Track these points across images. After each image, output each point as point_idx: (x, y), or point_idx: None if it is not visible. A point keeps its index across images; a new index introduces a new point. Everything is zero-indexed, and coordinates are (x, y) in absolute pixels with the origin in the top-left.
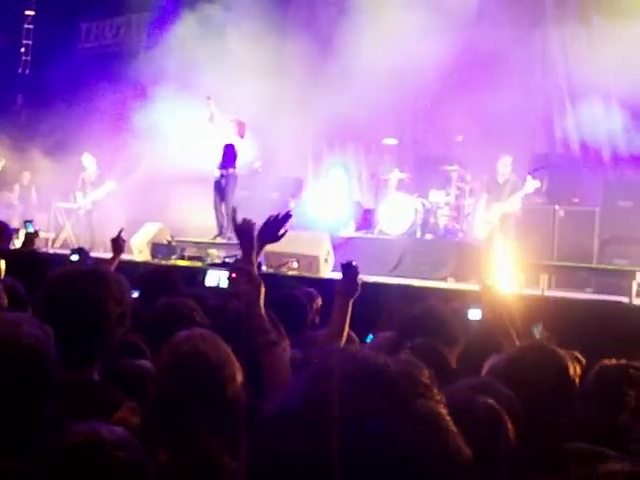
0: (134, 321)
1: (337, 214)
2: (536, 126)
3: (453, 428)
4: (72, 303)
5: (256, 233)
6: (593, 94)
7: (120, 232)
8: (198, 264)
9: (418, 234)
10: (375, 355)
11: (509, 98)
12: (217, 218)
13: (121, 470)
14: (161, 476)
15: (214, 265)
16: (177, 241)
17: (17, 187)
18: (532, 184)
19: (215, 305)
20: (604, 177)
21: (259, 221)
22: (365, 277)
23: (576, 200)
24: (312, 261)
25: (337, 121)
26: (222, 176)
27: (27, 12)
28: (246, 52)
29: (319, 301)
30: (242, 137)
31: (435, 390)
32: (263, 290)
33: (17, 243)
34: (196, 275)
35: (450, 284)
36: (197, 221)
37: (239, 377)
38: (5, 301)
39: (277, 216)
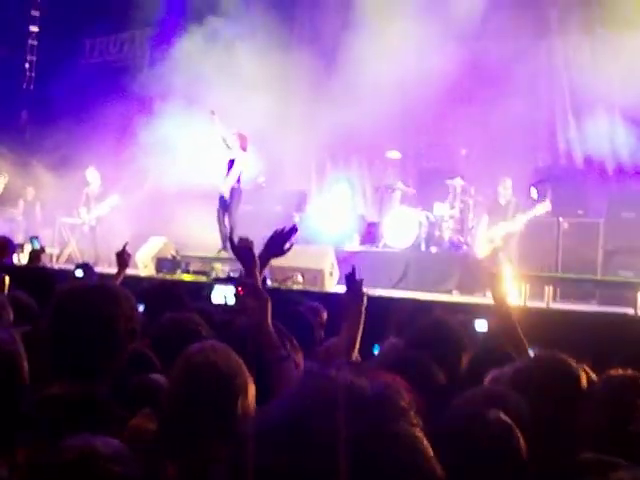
0: (140, 336)
1: (341, 228)
2: (540, 138)
3: (429, 451)
4: (82, 318)
5: (259, 248)
6: (597, 106)
7: (125, 246)
8: (203, 278)
9: (423, 247)
10: (355, 378)
11: (513, 111)
12: (221, 232)
13: None
14: None
15: (220, 280)
16: (182, 256)
17: (21, 203)
18: (542, 207)
19: (221, 320)
20: (608, 189)
21: (264, 234)
22: (370, 290)
23: (580, 212)
24: (317, 275)
25: (341, 135)
26: (226, 191)
27: (31, 28)
28: (250, 67)
29: (324, 315)
30: (244, 150)
31: (412, 414)
32: (270, 305)
33: (21, 258)
34: (201, 290)
35: (455, 297)
36: (202, 235)
37: (251, 388)
38: (10, 315)
39: (283, 230)
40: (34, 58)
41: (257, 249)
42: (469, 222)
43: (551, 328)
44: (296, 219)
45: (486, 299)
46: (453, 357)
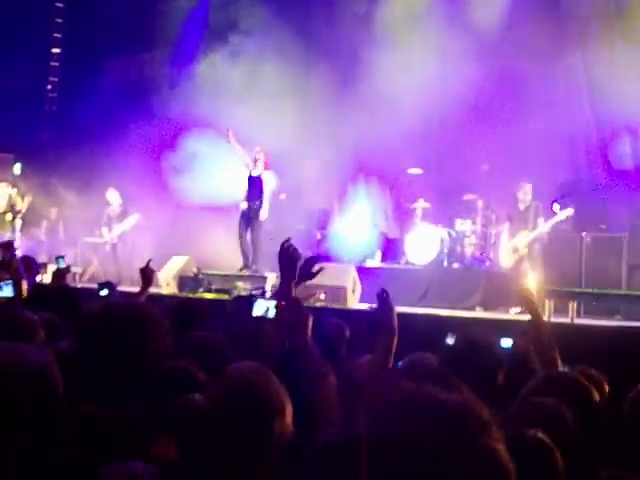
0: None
1: (363, 245)
2: (561, 153)
3: (510, 464)
4: (111, 337)
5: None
6: (618, 120)
7: (149, 262)
8: (225, 296)
9: (445, 263)
10: (437, 391)
11: (534, 126)
12: (243, 250)
13: None
14: None
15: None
16: (204, 274)
17: (44, 223)
18: (565, 212)
19: (248, 337)
20: (631, 203)
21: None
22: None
23: (603, 226)
24: (339, 292)
25: (362, 152)
26: (249, 208)
27: (53, 50)
28: (271, 84)
29: (347, 332)
30: (267, 168)
31: (494, 427)
32: (311, 321)
33: (44, 278)
34: (223, 307)
35: (479, 313)
36: (224, 253)
37: (288, 409)
38: (42, 335)
39: (313, 258)
40: (56, 79)
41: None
42: (491, 237)
43: (575, 344)
44: (318, 237)
45: (510, 315)
46: (490, 375)
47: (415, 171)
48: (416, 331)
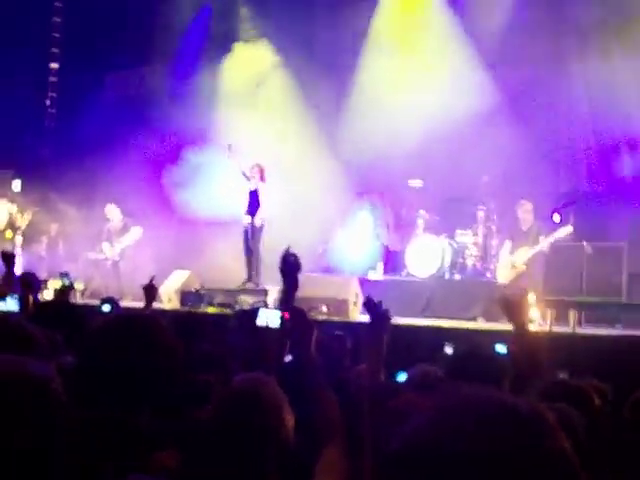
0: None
1: (365, 257)
2: (562, 164)
3: (579, 469)
4: (122, 348)
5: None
6: (617, 130)
7: (152, 279)
8: (227, 311)
9: (446, 275)
10: (503, 395)
11: (534, 137)
12: (248, 264)
13: None
14: None
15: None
16: (206, 289)
17: (45, 239)
18: (565, 230)
19: (251, 349)
20: (631, 212)
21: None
22: (394, 319)
23: (603, 236)
24: (341, 305)
25: (363, 163)
26: (250, 222)
27: (51, 65)
28: (272, 98)
29: (349, 344)
30: (264, 181)
31: (561, 432)
32: (315, 332)
33: (45, 295)
34: (226, 322)
35: (480, 324)
36: (226, 268)
37: (289, 420)
38: (47, 350)
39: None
40: (55, 95)
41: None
42: (492, 249)
43: (577, 353)
44: (319, 249)
45: (511, 326)
46: (496, 383)
47: (415, 183)
48: (418, 342)
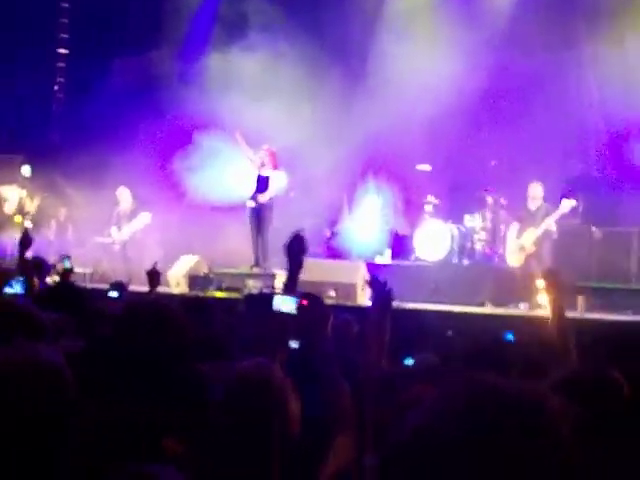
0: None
1: (373, 241)
2: (571, 148)
3: (577, 458)
4: (135, 336)
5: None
6: (628, 114)
7: (155, 265)
8: (236, 295)
9: (455, 260)
10: (504, 381)
11: (543, 121)
12: (256, 249)
13: None
14: None
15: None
16: (214, 273)
17: (54, 223)
18: (568, 203)
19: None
20: None
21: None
22: (403, 304)
23: (613, 221)
24: (349, 289)
25: (371, 148)
26: (258, 206)
27: (60, 50)
28: (280, 82)
29: (356, 328)
30: (275, 167)
31: (564, 419)
32: (331, 320)
33: (55, 279)
34: (234, 306)
35: (488, 309)
36: (234, 252)
37: (293, 405)
38: (52, 334)
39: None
40: (63, 80)
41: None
42: (500, 233)
43: (584, 338)
44: (327, 234)
45: (520, 311)
46: (504, 371)
47: (424, 167)
48: (425, 327)
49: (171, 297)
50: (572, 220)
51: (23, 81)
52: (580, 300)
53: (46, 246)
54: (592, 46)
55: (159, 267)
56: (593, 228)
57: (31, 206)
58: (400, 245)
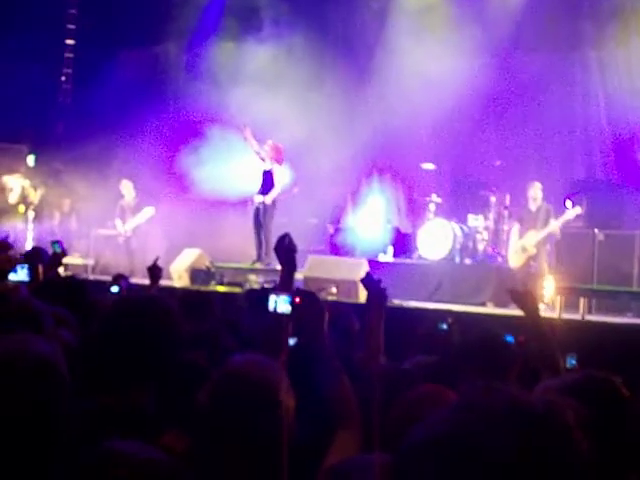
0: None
1: (376, 239)
2: (575, 150)
3: (591, 470)
4: (127, 330)
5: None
6: (632, 117)
7: (156, 260)
8: (237, 289)
9: (457, 259)
10: (521, 393)
11: (548, 122)
12: (258, 244)
13: None
14: None
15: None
16: (216, 267)
17: (57, 214)
18: (573, 211)
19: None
20: None
21: (300, 247)
22: (404, 302)
23: (616, 224)
24: (351, 286)
25: (375, 146)
26: (262, 202)
27: (67, 41)
28: (287, 78)
29: (356, 326)
30: (280, 163)
31: (577, 430)
32: (327, 316)
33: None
34: (234, 300)
35: (489, 309)
36: (236, 246)
37: (288, 401)
38: (51, 326)
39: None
40: (70, 71)
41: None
42: (503, 233)
43: (586, 340)
44: (330, 231)
45: (520, 311)
46: (502, 372)
47: (428, 166)
48: (424, 325)
49: (171, 291)
50: (575, 223)
51: (30, 71)
52: (582, 302)
53: (49, 237)
54: (598, 48)
55: (162, 260)
56: (596, 231)
57: (34, 196)
58: (403, 243)
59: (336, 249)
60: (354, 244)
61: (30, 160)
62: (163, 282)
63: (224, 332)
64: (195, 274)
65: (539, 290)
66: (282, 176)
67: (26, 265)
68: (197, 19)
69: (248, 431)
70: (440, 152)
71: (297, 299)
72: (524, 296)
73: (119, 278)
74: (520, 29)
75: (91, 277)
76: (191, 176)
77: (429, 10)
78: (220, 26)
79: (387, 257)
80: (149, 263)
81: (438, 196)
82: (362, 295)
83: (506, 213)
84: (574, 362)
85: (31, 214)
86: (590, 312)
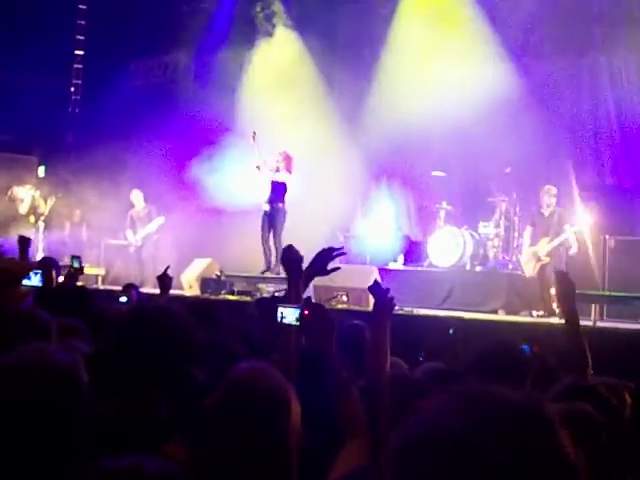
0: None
1: (386, 247)
2: (586, 156)
3: (579, 469)
4: (141, 339)
5: (305, 265)
6: None
7: (166, 270)
8: (247, 298)
9: (468, 266)
10: (508, 391)
11: (558, 128)
12: (265, 253)
13: None
14: None
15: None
16: (226, 276)
17: (68, 225)
18: (584, 221)
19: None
20: None
21: (309, 255)
22: (415, 310)
23: (627, 230)
24: (361, 294)
25: (385, 154)
26: (271, 210)
27: (76, 52)
28: (295, 86)
29: (367, 334)
30: (290, 172)
31: (562, 429)
32: (335, 328)
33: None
34: (245, 309)
35: (501, 316)
36: (247, 256)
37: (294, 409)
38: (56, 336)
39: (330, 249)
40: (79, 81)
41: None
42: (514, 240)
43: (597, 346)
44: (340, 239)
45: (533, 319)
46: (519, 381)
47: (438, 173)
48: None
49: (182, 300)
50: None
51: (39, 82)
52: (593, 309)
53: (60, 247)
54: (607, 53)
55: (172, 269)
56: (606, 236)
57: (44, 207)
58: (413, 251)
59: (346, 257)
60: (365, 252)
61: (40, 171)
62: (174, 291)
63: (234, 340)
64: (206, 283)
65: (551, 297)
66: (292, 184)
67: (40, 271)
68: (206, 28)
69: (254, 437)
70: (450, 159)
71: (306, 312)
72: (566, 284)
73: (129, 288)
74: (530, 35)
75: (102, 287)
76: (201, 185)
77: (438, 17)
78: (229, 34)
79: (398, 265)
80: (159, 272)
81: (448, 203)
82: (372, 303)
83: (516, 220)
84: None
85: (41, 225)
86: (602, 318)
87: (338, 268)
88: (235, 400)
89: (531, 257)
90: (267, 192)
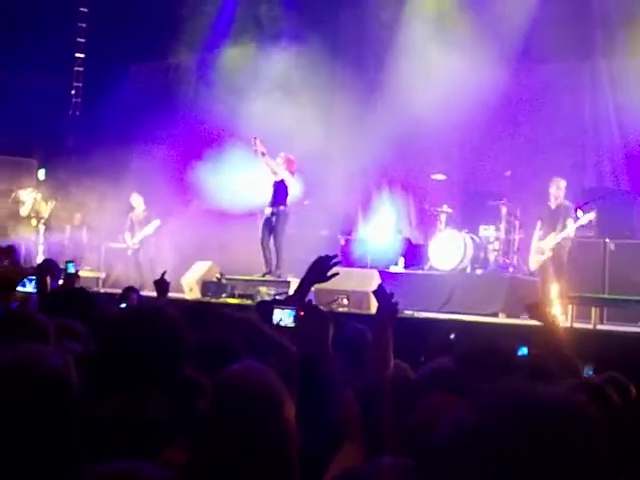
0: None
1: (387, 250)
2: (586, 159)
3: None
4: (134, 339)
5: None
6: None
7: (163, 274)
8: (248, 302)
9: (468, 269)
10: (543, 390)
11: (558, 132)
12: (265, 256)
13: None
14: None
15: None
16: (227, 279)
17: (68, 228)
18: (587, 217)
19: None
20: None
21: (309, 258)
22: (415, 313)
23: (627, 233)
24: (362, 297)
25: (386, 157)
26: (272, 213)
27: (77, 55)
28: (297, 90)
29: (369, 337)
30: (292, 174)
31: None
32: (332, 329)
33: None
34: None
35: (501, 319)
36: (247, 258)
37: (288, 408)
38: (54, 338)
39: (328, 257)
40: (80, 84)
41: (301, 272)
42: (515, 243)
43: (598, 350)
44: (341, 242)
45: (533, 322)
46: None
47: (439, 177)
48: (437, 336)
49: (181, 303)
50: (586, 232)
51: (40, 85)
52: (594, 312)
53: (60, 250)
54: (608, 56)
55: (173, 273)
56: (607, 240)
57: (45, 210)
58: (414, 254)
59: (347, 260)
60: (365, 255)
61: (41, 174)
62: (174, 294)
63: (234, 341)
64: (206, 286)
65: (550, 297)
66: (293, 188)
67: (34, 278)
68: (207, 31)
69: (248, 437)
70: (451, 162)
71: (301, 312)
72: (539, 308)
73: (129, 291)
74: (530, 39)
75: (102, 290)
76: (202, 188)
77: (438, 21)
78: (230, 38)
79: (398, 268)
80: (158, 275)
81: (449, 207)
82: (373, 306)
83: (517, 223)
84: (591, 372)
85: (42, 227)
86: (602, 322)
87: (337, 274)
88: (227, 400)
89: (537, 251)
90: (269, 195)
